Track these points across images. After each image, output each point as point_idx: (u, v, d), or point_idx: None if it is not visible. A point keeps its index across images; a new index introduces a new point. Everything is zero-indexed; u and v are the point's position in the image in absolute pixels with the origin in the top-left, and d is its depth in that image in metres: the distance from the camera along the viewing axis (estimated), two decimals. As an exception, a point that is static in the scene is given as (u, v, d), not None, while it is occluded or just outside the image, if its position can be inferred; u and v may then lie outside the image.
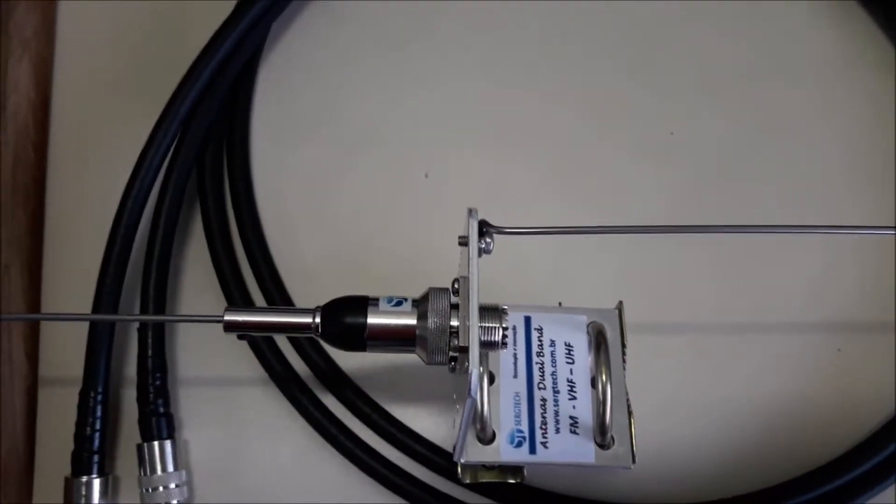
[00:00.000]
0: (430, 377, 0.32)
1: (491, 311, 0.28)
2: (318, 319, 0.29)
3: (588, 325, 0.32)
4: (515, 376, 0.31)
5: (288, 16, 0.43)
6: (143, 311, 0.36)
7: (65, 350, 0.37)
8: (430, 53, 0.43)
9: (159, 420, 0.35)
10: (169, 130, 0.37)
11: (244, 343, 0.37)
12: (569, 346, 0.32)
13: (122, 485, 0.36)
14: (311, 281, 0.39)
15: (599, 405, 0.29)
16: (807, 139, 0.41)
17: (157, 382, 0.35)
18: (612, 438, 0.30)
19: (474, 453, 0.29)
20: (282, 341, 0.38)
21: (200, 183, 0.39)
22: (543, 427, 0.30)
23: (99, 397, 0.35)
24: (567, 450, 0.29)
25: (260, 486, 0.37)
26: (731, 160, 0.41)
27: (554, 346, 0.32)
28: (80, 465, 0.34)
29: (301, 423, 0.37)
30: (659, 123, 0.42)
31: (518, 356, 0.31)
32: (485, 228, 0.29)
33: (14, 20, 0.39)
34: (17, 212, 0.38)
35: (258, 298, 0.38)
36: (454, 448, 0.29)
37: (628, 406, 0.30)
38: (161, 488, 0.34)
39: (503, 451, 0.29)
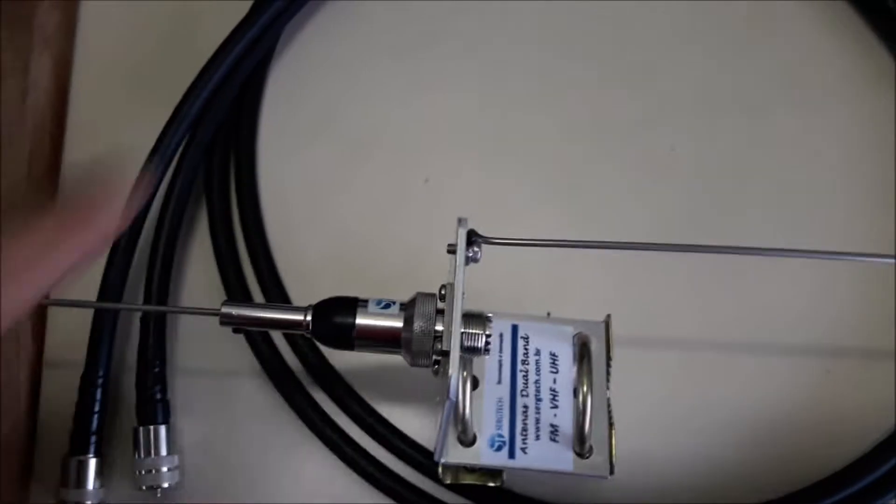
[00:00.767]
0: (418, 378, 0.33)
1: (476, 318, 0.29)
2: (309, 318, 0.30)
3: (574, 337, 0.33)
4: (500, 382, 0.32)
5: (301, 18, 0.44)
6: (147, 302, 0.37)
7: (70, 335, 0.38)
8: (436, 61, 0.44)
9: (156, 406, 0.36)
10: (179, 129, 0.39)
11: (241, 337, 0.38)
12: (554, 356, 0.33)
13: (117, 467, 0.37)
14: (310, 280, 0.40)
15: (579, 415, 0.30)
16: (807, 159, 0.42)
17: (156, 370, 0.37)
18: (591, 448, 0.30)
19: (454, 454, 0.30)
20: (277, 338, 0.39)
21: (208, 180, 0.41)
22: (524, 433, 0.31)
23: (100, 381, 0.36)
24: (545, 457, 0.30)
25: (248, 475, 0.38)
26: (730, 178, 0.42)
27: (539, 355, 0.33)
28: (78, 444, 0.36)
29: (291, 416, 0.38)
30: (660, 138, 0.42)
31: (503, 363, 0.32)
32: (473, 238, 0.30)
33: (37, 17, 0.41)
34: (30, 201, 0.39)
35: (258, 295, 0.39)
36: (435, 448, 0.30)
37: (610, 417, 0.31)
38: (153, 471, 0.35)
39: (483, 454, 0.30)
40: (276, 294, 0.39)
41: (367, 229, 0.41)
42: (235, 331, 0.32)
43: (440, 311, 0.29)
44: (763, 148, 0.42)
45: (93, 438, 0.36)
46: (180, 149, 0.39)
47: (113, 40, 0.44)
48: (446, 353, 0.27)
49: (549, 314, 0.34)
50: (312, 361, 0.38)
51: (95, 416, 0.36)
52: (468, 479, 0.32)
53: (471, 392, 0.30)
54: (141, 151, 0.38)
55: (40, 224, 0.25)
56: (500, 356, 0.33)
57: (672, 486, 0.37)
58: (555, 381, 0.32)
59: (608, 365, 0.33)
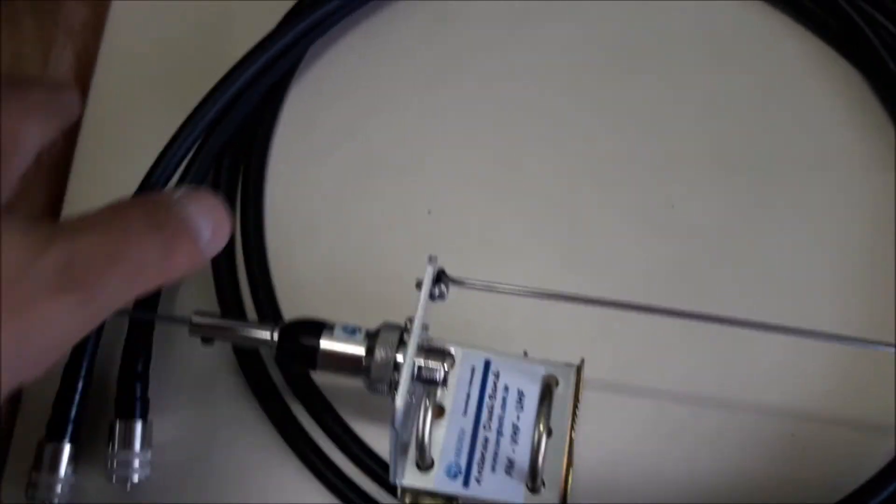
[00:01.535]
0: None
1: (436, 352, 0.30)
2: (275, 336, 0.31)
3: (543, 377, 0.34)
4: (465, 413, 0.33)
5: (328, 39, 0.46)
6: (136, 303, 0.38)
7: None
8: (450, 96, 0.45)
9: (134, 401, 0.37)
10: (192, 133, 0.40)
11: (227, 343, 0.39)
12: (521, 394, 0.34)
13: (93, 458, 0.38)
14: (303, 299, 0.41)
15: (533, 450, 0.31)
16: (806, 229, 0.43)
17: (140, 368, 0.38)
18: (543, 483, 0.31)
19: (410, 477, 0.31)
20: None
21: (214, 188, 0.42)
22: (480, 464, 0.32)
23: (82, 371, 0.37)
24: (498, 488, 0.31)
25: (218, 477, 0.39)
26: (727, 240, 0.43)
27: (507, 391, 0.34)
28: (54, 431, 0.36)
29: (267, 425, 0.39)
30: (662, 193, 0.43)
31: (471, 395, 0.34)
32: (442, 277, 0.31)
33: (64, 11, 0.42)
34: (37, 191, 0.41)
35: (250, 309, 0.40)
36: (390, 470, 0.31)
37: (570, 456, 0.32)
38: (125, 464, 0.36)
39: (437, 480, 0.31)
40: (269, 310, 0.40)
41: (367, 255, 0.42)
42: (204, 341, 0.33)
43: (403, 343, 0.31)
44: (762, 212, 0.43)
45: (69, 427, 0.36)
46: (190, 153, 0.41)
47: (141, 41, 0.46)
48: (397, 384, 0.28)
49: (525, 352, 0.35)
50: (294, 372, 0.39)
51: (74, 405, 0.37)
52: (427, 502, 0.33)
53: (433, 420, 0.31)
54: (153, 151, 0.40)
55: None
56: (470, 389, 0.34)
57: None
58: (518, 418, 0.33)
59: (575, 407, 0.34)
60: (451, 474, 0.31)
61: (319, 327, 0.31)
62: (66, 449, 0.36)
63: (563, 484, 0.32)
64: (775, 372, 0.40)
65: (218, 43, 0.45)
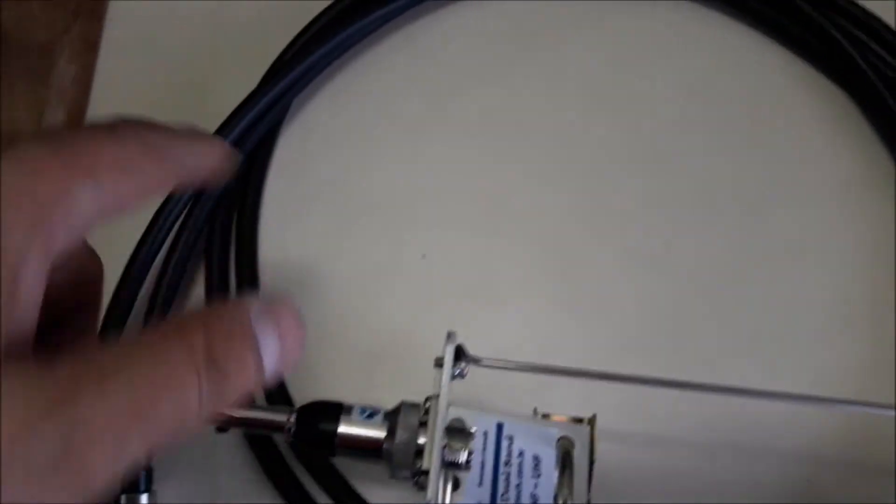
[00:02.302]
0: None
1: (458, 433, 0.30)
2: (293, 420, 0.30)
3: (557, 441, 0.33)
4: (480, 484, 0.32)
5: (312, 89, 0.45)
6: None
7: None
8: (439, 139, 0.45)
9: (138, 473, 0.36)
10: (182, 196, 0.39)
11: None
12: (537, 459, 0.33)
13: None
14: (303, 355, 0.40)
15: (557, 526, 0.30)
16: (801, 269, 0.42)
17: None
18: (567, 552, 0.31)
19: (431, 558, 0.30)
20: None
21: (208, 246, 0.41)
22: (502, 539, 0.31)
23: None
24: (520, 562, 0.31)
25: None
26: (723, 278, 0.42)
27: (522, 457, 0.33)
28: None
29: (270, 488, 0.38)
30: (656, 233, 0.43)
31: (486, 464, 0.32)
32: (461, 355, 0.30)
33: (56, 71, 0.41)
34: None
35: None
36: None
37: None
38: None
39: (459, 560, 0.30)
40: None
41: (362, 302, 0.41)
42: (218, 430, 0.32)
43: (423, 423, 0.30)
44: (759, 251, 0.43)
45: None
46: (183, 214, 0.40)
47: (126, 98, 0.45)
48: (426, 473, 0.27)
49: (535, 409, 0.35)
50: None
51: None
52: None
53: (451, 493, 0.31)
54: (145, 212, 0.39)
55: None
56: (484, 456, 0.33)
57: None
58: (536, 486, 0.32)
59: (591, 467, 0.33)
60: (473, 552, 0.31)
61: (337, 410, 0.30)
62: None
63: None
64: (791, 416, 0.40)
65: (203, 95, 0.44)
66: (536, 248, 0.43)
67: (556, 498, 0.32)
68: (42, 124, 0.41)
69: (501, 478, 0.32)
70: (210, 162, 0.24)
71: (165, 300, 0.39)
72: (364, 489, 0.38)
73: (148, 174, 0.21)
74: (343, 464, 0.38)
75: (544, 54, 0.46)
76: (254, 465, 0.38)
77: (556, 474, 0.32)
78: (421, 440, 0.30)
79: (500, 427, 0.34)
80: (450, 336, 0.30)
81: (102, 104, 0.45)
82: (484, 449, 0.33)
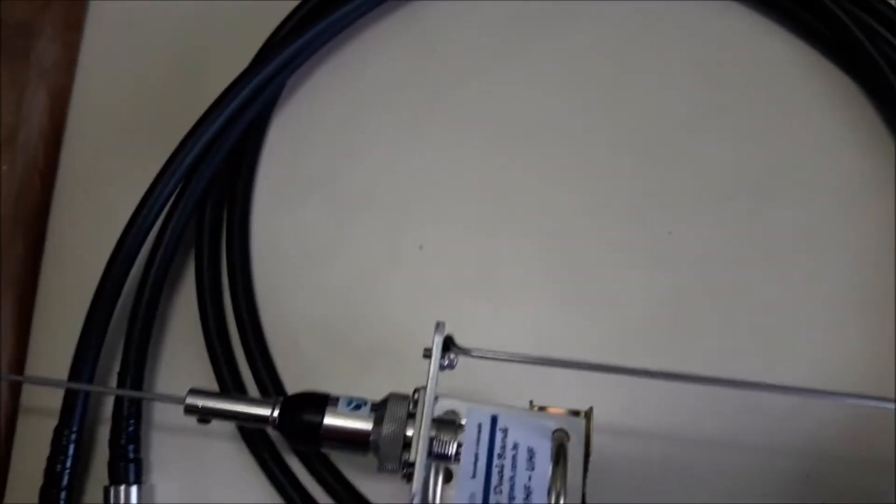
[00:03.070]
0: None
1: (447, 425, 0.29)
2: (276, 413, 0.30)
3: (553, 433, 0.33)
4: (473, 476, 0.32)
5: (305, 70, 0.44)
6: (124, 364, 0.37)
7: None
8: (437, 128, 0.43)
9: (128, 465, 0.36)
10: (173, 177, 0.38)
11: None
12: (531, 452, 0.32)
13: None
14: (295, 344, 0.40)
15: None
16: (805, 261, 0.41)
17: (131, 428, 0.36)
18: (559, 547, 0.30)
19: (423, 551, 0.30)
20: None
21: (198, 232, 0.40)
22: (495, 532, 0.30)
23: (73, 436, 0.36)
24: (512, 554, 0.30)
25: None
26: (726, 270, 0.41)
27: (516, 449, 0.32)
28: (48, 501, 0.35)
29: (262, 480, 0.37)
30: (658, 223, 0.42)
31: (479, 456, 0.32)
32: (450, 346, 0.29)
33: (35, 50, 0.40)
34: (16, 243, 0.39)
35: (240, 356, 0.39)
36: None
37: (583, 509, 0.31)
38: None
39: (451, 553, 0.30)
40: (260, 357, 0.38)
41: (358, 294, 0.41)
42: (200, 421, 0.32)
43: (411, 415, 0.29)
44: (761, 239, 0.42)
45: (63, 495, 0.35)
46: (172, 197, 0.39)
47: (114, 79, 0.44)
48: (412, 465, 0.27)
49: (531, 402, 0.34)
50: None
51: (67, 472, 0.35)
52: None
53: (443, 485, 0.30)
54: (133, 197, 0.38)
55: None
56: (477, 449, 0.32)
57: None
58: (530, 479, 0.32)
59: (586, 460, 0.32)
60: (465, 545, 0.30)
61: (323, 401, 0.30)
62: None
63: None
64: (791, 411, 0.39)
65: (193, 77, 0.43)
66: (535, 239, 0.42)
67: (549, 490, 0.31)
68: (23, 105, 0.39)
69: (495, 470, 0.32)
70: None
71: (150, 300, 0.38)
72: (360, 483, 0.37)
73: None
74: (338, 457, 0.37)
75: (545, 44, 0.45)
76: (248, 457, 0.38)
77: (550, 467, 0.32)
78: (409, 432, 0.29)
79: (494, 419, 0.33)
80: (438, 326, 0.29)
81: (88, 84, 0.44)
82: (478, 441, 0.32)
